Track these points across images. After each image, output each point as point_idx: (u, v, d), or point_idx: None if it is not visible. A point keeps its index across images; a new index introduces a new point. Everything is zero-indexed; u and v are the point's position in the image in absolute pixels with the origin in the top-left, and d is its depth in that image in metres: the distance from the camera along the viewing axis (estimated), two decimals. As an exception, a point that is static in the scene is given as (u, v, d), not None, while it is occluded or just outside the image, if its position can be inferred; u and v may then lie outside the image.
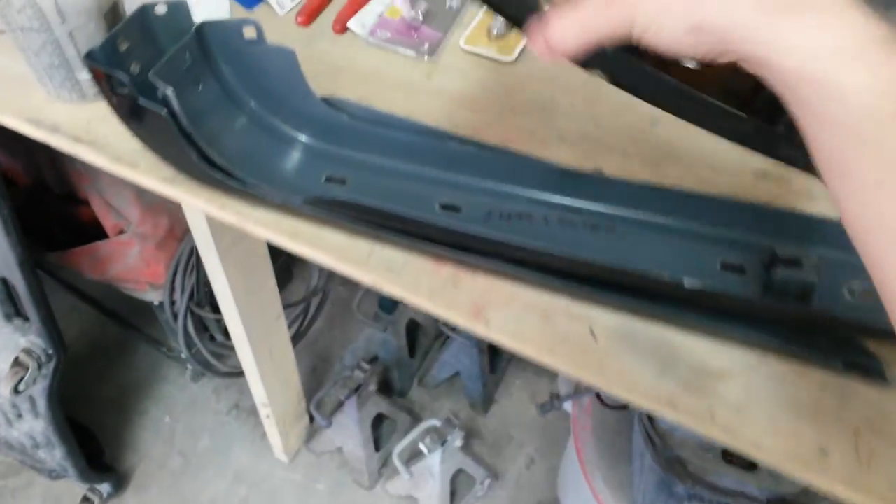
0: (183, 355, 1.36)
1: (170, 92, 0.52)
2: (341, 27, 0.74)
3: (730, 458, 1.01)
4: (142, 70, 0.58)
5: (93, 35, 0.61)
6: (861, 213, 0.30)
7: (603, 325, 0.54)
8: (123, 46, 0.55)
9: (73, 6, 0.59)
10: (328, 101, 0.63)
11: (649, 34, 0.33)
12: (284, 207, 0.58)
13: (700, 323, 0.52)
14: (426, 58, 0.72)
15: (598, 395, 1.18)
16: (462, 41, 0.73)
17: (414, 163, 0.61)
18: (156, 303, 1.29)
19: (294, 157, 0.62)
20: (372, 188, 0.60)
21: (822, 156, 0.30)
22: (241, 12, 0.76)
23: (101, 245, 1.18)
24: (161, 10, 0.57)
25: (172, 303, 1.26)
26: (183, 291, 1.24)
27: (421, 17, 0.75)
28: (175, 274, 1.22)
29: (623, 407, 1.16)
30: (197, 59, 0.58)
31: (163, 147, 0.58)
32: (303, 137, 0.63)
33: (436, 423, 1.36)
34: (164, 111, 0.51)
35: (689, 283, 0.47)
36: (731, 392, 0.51)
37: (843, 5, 0.29)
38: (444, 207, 0.59)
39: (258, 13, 0.76)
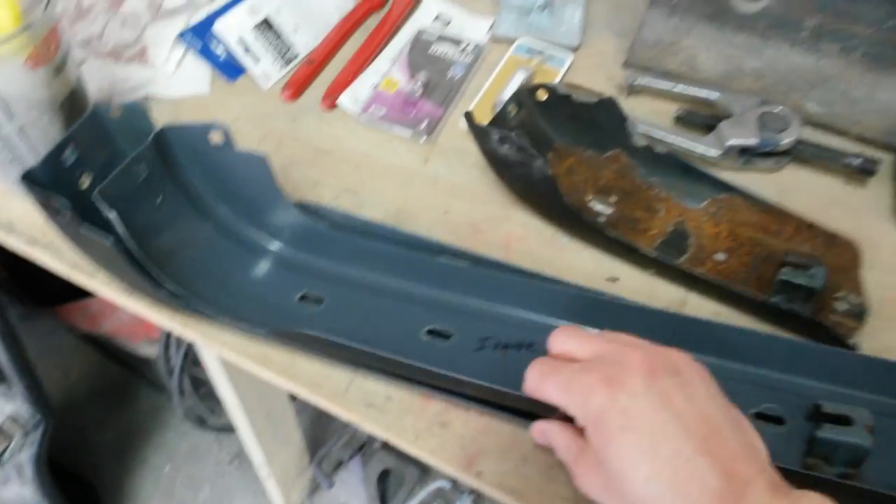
0: (179, 411, 1.30)
1: (114, 216, 0.45)
2: (331, 103, 0.67)
3: None
4: (95, 180, 0.51)
5: (46, 129, 0.55)
6: None
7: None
8: (72, 157, 0.49)
9: (22, 101, 0.52)
10: (305, 207, 0.56)
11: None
12: (252, 333, 0.51)
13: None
14: (423, 138, 0.65)
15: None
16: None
17: (400, 279, 0.53)
18: (152, 357, 1.24)
19: (265, 272, 0.55)
20: (352, 308, 0.53)
21: None
22: (223, 85, 0.69)
23: (92, 301, 1.13)
24: (115, 112, 0.51)
25: (168, 359, 1.20)
26: (178, 348, 1.18)
27: (420, 90, 0.67)
28: (170, 331, 1.16)
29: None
30: (156, 168, 0.51)
31: (115, 271, 0.52)
32: (275, 247, 0.56)
33: (444, 484, 1.29)
34: (109, 241, 0.44)
35: None
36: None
37: None
38: (433, 333, 0.51)
39: (240, 87, 0.69)
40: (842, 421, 0.43)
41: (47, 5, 0.50)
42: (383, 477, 1.43)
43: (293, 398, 1.27)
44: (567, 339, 0.40)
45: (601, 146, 0.61)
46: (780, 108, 0.64)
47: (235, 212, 0.55)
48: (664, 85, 0.69)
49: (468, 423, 0.49)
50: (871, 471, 0.43)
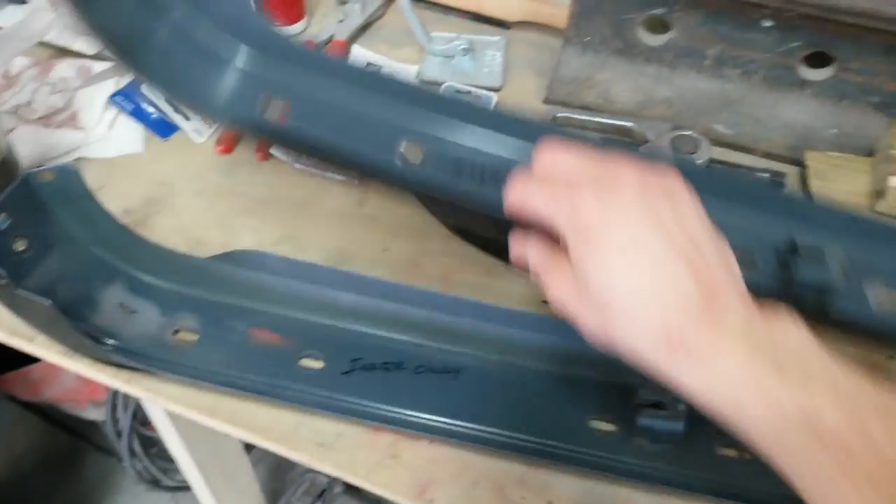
0: (131, 474, 1.27)
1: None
2: (264, 154, 0.68)
3: None
4: (30, 245, 0.52)
5: (-23, 197, 0.55)
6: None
7: (564, 497, 0.48)
8: (5, 223, 0.49)
9: (-50, 171, 0.53)
10: (238, 256, 0.57)
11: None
12: (198, 382, 0.51)
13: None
14: (357, 181, 0.67)
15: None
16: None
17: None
18: (99, 420, 1.21)
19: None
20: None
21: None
22: (157, 142, 0.70)
23: (32, 369, 1.10)
24: (47, 176, 0.52)
25: (115, 421, 1.18)
26: (126, 409, 1.16)
27: (350, 136, 0.69)
28: (116, 392, 1.14)
29: None
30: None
31: (54, 333, 0.52)
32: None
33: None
34: (47, 303, 0.45)
35: None
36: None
37: (724, 340, 0.32)
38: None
39: (174, 143, 0.70)
40: (815, 257, 0.45)
41: (-27, 77, 0.51)
42: (348, 521, 1.42)
43: (248, 449, 1.25)
44: (554, 152, 0.39)
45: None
46: (690, 132, 0.68)
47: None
48: (584, 116, 0.72)
49: (418, 452, 0.50)
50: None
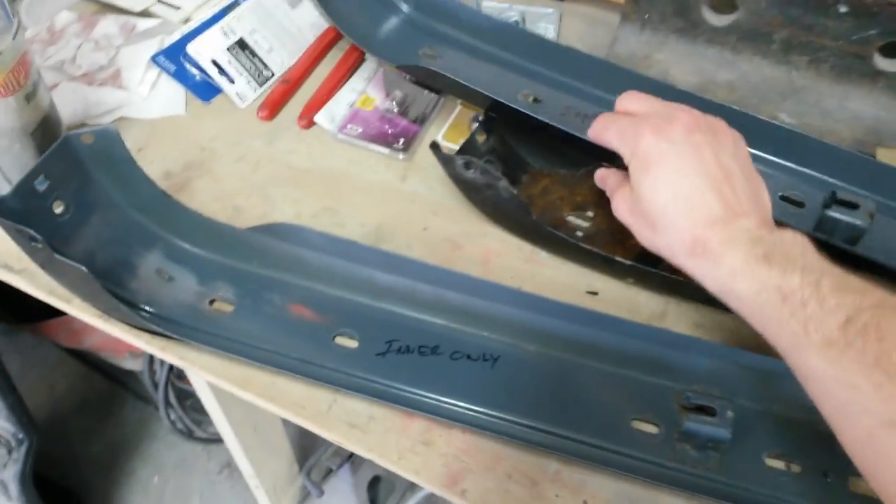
0: (165, 423, 1.30)
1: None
2: (308, 122, 0.67)
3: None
4: (68, 208, 0.51)
5: (19, 155, 0.55)
6: (798, 372, 0.40)
7: (600, 497, 0.47)
8: (43, 184, 0.49)
9: (-6, 130, 0.52)
10: (274, 230, 0.56)
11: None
12: (232, 354, 0.51)
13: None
14: (401, 156, 0.65)
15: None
16: (441, 136, 0.66)
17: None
18: (137, 370, 1.23)
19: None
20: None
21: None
22: (199, 105, 0.69)
23: (75, 317, 1.12)
24: (88, 138, 0.51)
25: (152, 372, 1.20)
26: (163, 362, 1.18)
27: (396, 108, 0.67)
28: (154, 345, 1.16)
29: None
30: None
31: (89, 297, 0.52)
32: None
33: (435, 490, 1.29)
34: (83, 269, 0.44)
35: None
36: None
37: (732, 244, 0.42)
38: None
39: (216, 107, 0.69)
40: (851, 206, 0.53)
41: (16, 34, 0.50)
42: (374, 483, 1.44)
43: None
44: (631, 99, 0.50)
45: (575, 164, 0.62)
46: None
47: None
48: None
49: (451, 441, 0.49)
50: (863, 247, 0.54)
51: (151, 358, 1.19)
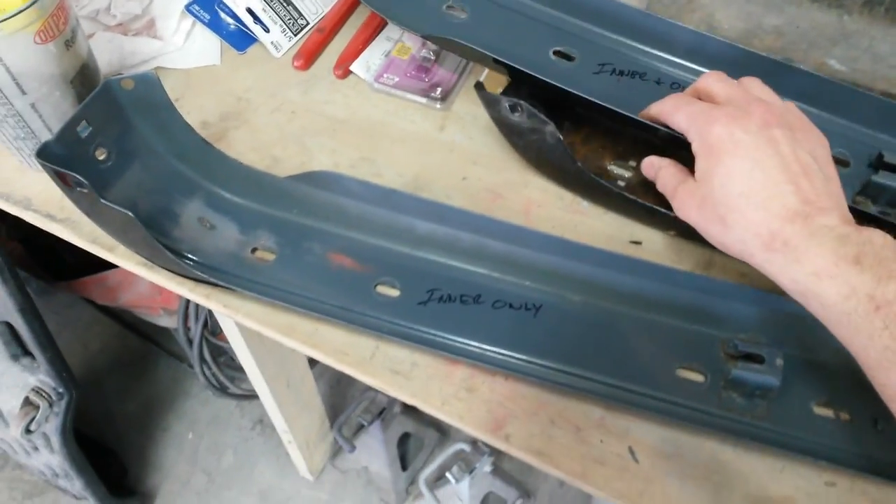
0: (199, 379, 1.32)
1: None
2: (343, 71, 0.66)
3: None
4: (110, 155, 0.51)
5: (58, 104, 0.54)
6: (885, 391, 0.38)
7: (645, 443, 0.47)
8: (85, 130, 0.49)
9: (33, 76, 0.52)
10: (313, 178, 0.55)
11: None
12: (277, 301, 0.51)
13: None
14: (438, 105, 0.64)
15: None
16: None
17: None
18: (171, 328, 1.25)
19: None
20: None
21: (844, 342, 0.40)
22: (234, 55, 0.68)
23: (110, 274, 1.13)
24: (128, 84, 0.50)
25: (187, 329, 1.21)
26: (197, 319, 1.19)
27: (433, 56, 0.66)
28: (188, 301, 1.17)
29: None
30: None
31: (133, 243, 0.52)
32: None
33: (464, 447, 1.31)
34: (129, 214, 0.44)
35: None
36: (795, 534, 0.43)
37: (815, 241, 0.39)
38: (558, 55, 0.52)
39: (251, 56, 0.68)
40: None
41: (56, -22, 0.50)
42: (403, 440, 1.46)
43: (312, 364, 1.28)
44: (713, 80, 0.48)
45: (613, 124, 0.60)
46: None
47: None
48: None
49: (494, 388, 0.49)
50: None
51: (186, 315, 1.20)
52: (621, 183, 0.58)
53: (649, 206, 0.55)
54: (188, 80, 0.66)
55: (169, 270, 0.53)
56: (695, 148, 0.45)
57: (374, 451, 1.37)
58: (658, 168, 0.51)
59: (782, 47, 0.67)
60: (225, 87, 0.66)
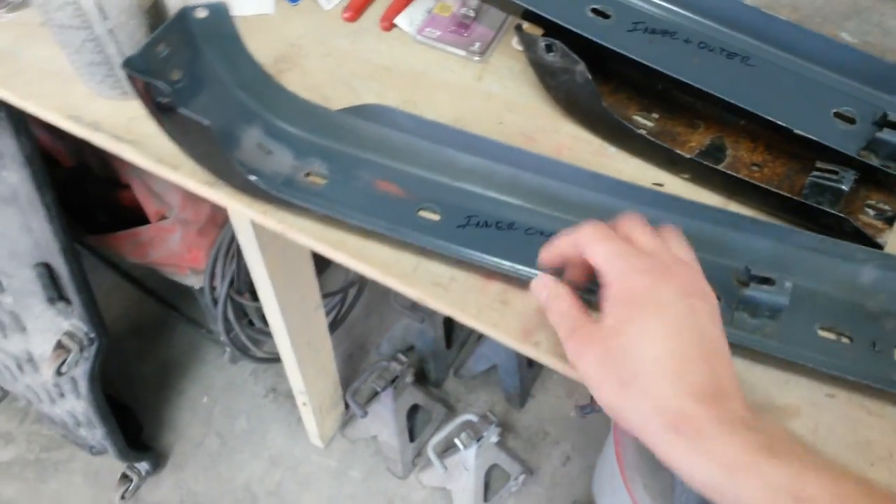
0: (221, 339, 1.36)
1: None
2: (389, 24, 0.71)
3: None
4: (182, 77, 0.56)
5: (133, 32, 0.59)
6: None
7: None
8: (163, 52, 0.53)
9: (115, 4, 0.57)
10: (363, 111, 0.60)
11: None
12: (329, 217, 0.56)
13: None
14: (476, 58, 0.69)
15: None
16: (515, 41, 0.70)
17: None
18: (196, 287, 1.29)
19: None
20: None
21: None
22: (286, 6, 0.73)
23: (142, 230, 1.18)
24: (201, 13, 0.55)
25: (213, 288, 1.26)
26: (223, 278, 1.23)
27: (472, 14, 0.71)
28: (215, 260, 1.21)
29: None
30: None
31: (203, 156, 0.57)
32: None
33: (472, 417, 1.35)
34: (206, 122, 0.49)
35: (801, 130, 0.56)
36: (798, 432, 0.48)
37: (726, 429, 0.36)
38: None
39: (303, 7, 0.73)
40: None
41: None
42: (412, 413, 1.50)
43: (331, 329, 1.32)
44: (635, 226, 0.45)
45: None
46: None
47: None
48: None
49: (526, 301, 0.54)
50: None
51: (212, 275, 1.24)
52: (642, 131, 0.63)
53: (670, 150, 0.60)
54: (244, 25, 0.70)
55: (232, 187, 0.58)
56: (610, 292, 0.41)
57: (384, 420, 1.42)
58: (554, 296, 0.45)
59: (797, 20, 0.71)
60: (278, 34, 0.71)
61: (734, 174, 0.58)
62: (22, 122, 0.81)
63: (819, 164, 0.58)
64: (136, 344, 1.64)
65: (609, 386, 0.40)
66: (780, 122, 0.57)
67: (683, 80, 0.58)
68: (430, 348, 1.53)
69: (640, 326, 0.39)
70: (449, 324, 1.58)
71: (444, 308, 0.54)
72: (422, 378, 1.57)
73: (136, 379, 1.59)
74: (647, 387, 0.38)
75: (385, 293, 1.59)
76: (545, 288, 0.46)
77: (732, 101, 0.58)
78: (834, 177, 0.57)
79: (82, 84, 0.65)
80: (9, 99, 0.66)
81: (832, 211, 0.55)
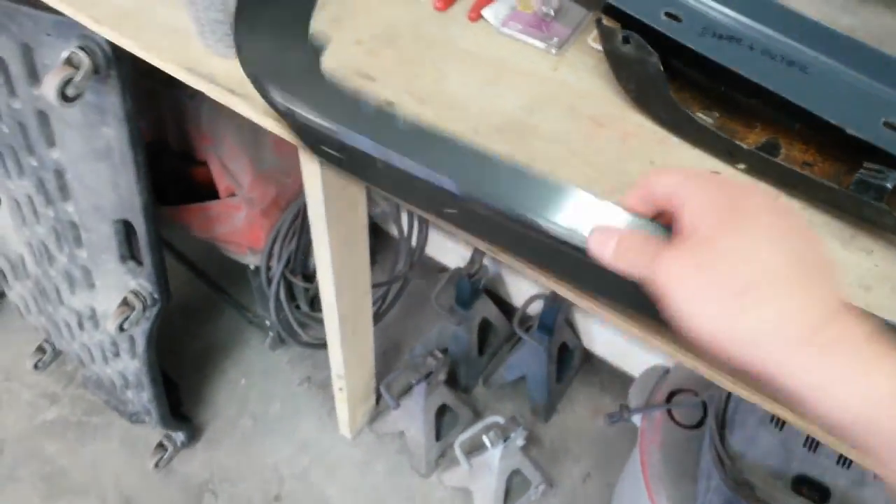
0: (268, 321, 1.43)
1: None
2: (476, 15, 0.78)
3: (800, 488, 1.00)
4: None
5: (259, -4, 0.67)
6: None
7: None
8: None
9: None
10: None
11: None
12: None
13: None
14: (554, 51, 0.75)
15: (669, 412, 1.18)
16: (591, 39, 0.77)
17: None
18: (252, 266, 1.36)
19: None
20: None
21: None
22: (385, -7, 0.81)
23: (212, 205, 1.25)
24: None
25: (269, 268, 1.33)
26: (279, 259, 1.30)
27: (552, 13, 0.78)
28: (275, 241, 1.28)
29: (695, 426, 1.16)
30: None
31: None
32: None
33: (500, 420, 1.39)
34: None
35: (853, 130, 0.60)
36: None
37: (881, 346, 0.31)
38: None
39: (399, -5, 0.81)
40: None
41: None
42: (441, 412, 1.54)
43: (375, 320, 1.38)
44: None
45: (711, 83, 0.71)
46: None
47: None
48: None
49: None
50: None
51: (269, 254, 1.31)
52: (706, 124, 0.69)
53: (728, 140, 0.65)
54: (345, 7, 0.79)
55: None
56: (694, 204, 0.36)
57: (413, 415, 1.46)
58: (618, 239, 0.40)
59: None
60: (376, 16, 0.78)
61: (789, 166, 0.63)
62: (128, 82, 0.89)
63: (866, 164, 0.63)
64: (183, 322, 1.71)
65: (714, 302, 0.33)
66: (834, 122, 0.62)
67: (749, 77, 0.63)
68: (464, 353, 1.57)
69: (746, 229, 0.34)
70: (484, 331, 1.63)
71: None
72: (452, 382, 1.61)
73: (181, 355, 1.66)
74: (769, 295, 0.32)
75: (425, 295, 1.64)
76: (605, 236, 0.41)
77: (792, 100, 0.63)
78: (880, 175, 0.62)
79: (201, 42, 0.72)
80: (132, 48, 0.74)
81: (877, 204, 0.60)
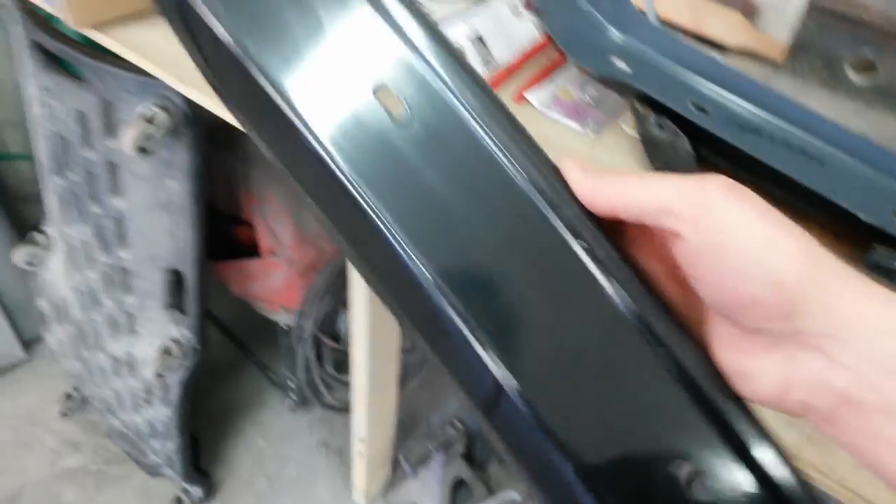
0: (290, 382, 1.46)
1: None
2: (521, 98, 0.86)
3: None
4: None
5: None
6: None
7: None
8: None
9: None
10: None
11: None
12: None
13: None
14: (591, 133, 0.83)
15: None
16: (624, 124, 0.85)
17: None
18: (283, 325, 1.42)
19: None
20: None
21: None
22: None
23: (253, 262, 1.32)
24: None
25: (301, 327, 1.38)
26: (310, 317, 1.36)
27: (591, 101, 0.86)
28: (311, 301, 1.34)
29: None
30: None
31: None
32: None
33: (516, 496, 1.40)
34: None
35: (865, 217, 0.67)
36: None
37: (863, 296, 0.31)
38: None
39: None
40: None
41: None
42: (457, 486, 1.54)
43: (400, 387, 1.41)
44: None
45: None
46: None
47: None
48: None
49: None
50: None
51: (301, 314, 1.37)
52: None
53: None
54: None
55: None
56: (693, 194, 0.34)
57: (428, 486, 1.47)
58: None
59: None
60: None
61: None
62: (200, 141, 0.98)
63: (875, 245, 0.69)
64: (207, 380, 1.75)
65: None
66: (849, 209, 0.68)
67: (770, 164, 0.70)
68: (480, 428, 1.59)
69: (755, 201, 0.34)
70: (502, 406, 1.65)
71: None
72: (468, 456, 1.62)
73: (201, 412, 1.69)
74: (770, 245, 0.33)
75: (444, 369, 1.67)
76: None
77: (811, 188, 0.70)
78: (890, 255, 0.67)
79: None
80: (214, 109, 0.83)
81: (888, 283, 0.65)
